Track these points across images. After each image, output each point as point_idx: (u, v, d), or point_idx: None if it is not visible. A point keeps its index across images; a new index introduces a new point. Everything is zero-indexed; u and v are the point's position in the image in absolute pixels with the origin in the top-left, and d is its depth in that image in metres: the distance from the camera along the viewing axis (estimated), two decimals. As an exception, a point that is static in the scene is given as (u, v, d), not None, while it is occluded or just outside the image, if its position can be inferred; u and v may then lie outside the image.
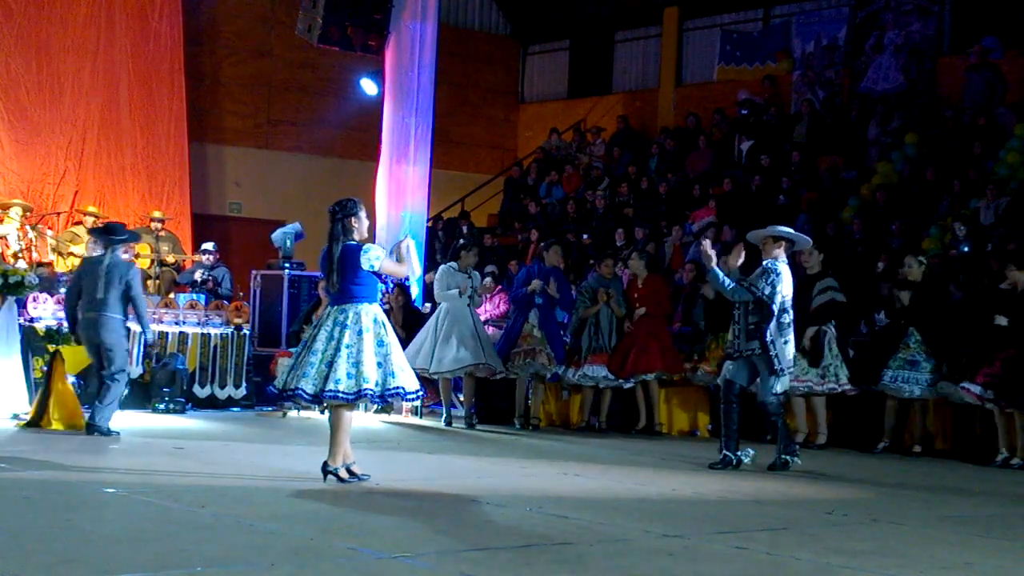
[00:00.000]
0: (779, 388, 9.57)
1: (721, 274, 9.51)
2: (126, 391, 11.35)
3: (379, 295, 8.29)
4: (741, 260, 9.70)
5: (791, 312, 9.55)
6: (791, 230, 9.92)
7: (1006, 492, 9.26)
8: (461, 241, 13.47)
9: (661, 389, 12.92)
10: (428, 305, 14.92)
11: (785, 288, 9.46)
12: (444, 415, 12.93)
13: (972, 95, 16.94)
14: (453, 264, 12.81)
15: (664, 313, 13.01)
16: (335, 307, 8.01)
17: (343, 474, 7.95)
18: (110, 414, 10.56)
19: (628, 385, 12.78)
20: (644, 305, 12.74)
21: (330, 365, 7.80)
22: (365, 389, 7.75)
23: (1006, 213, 14.30)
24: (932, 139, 16.62)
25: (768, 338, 9.39)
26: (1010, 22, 17.27)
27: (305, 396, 7.90)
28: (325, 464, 7.97)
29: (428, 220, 17.47)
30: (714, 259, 9.49)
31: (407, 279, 14.63)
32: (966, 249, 13.70)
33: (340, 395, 7.79)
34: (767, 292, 9.39)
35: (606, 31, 22.51)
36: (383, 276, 8.57)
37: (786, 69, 19.64)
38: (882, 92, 18.12)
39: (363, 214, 8.14)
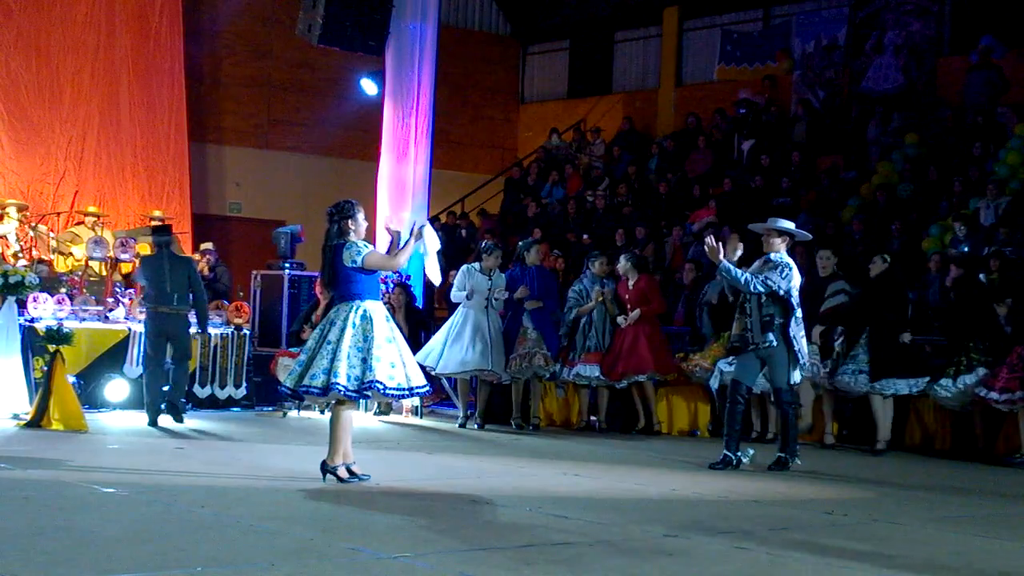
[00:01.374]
0: (795, 379, 9.66)
1: (732, 267, 9.51)
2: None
3: (377, 291, 8.28)
4: (739, 254, 9.71)
5: (801, 306, 9.65)
6: (792, 225, 9.93)
7: (1006, 492, 9.26)
8: (484, 243, 13.42)
9: (660, 388, 12.92)
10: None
11: (795, 281, 9.53)
12: (460, 417, 12.88)
13: (972, 95, 16.94)
14: (475, 265, 12.78)
15: (655, 312, 12.90)
16: (333, 307, 8.11)
17: (342, 473, 7.96)
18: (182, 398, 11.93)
19: (621, 385, 12.77)
20: (635, 306, 12.69)
21: (312, 361, 7.88)
22: (335, 384, 7.78)
23: (1006, 213, 14.30)
24: (932, 139, 16.62)
25: (790, 332, 9.45)
26: (1010, 22, 17.27)
27: (286, 392, 8.15)
28: (324, 463, 7.99)
29: (427, 219, 17.46)
30: (721, 253, 9.49)
31: (410, 278, 14.63)
32: (966, 249, 13.70)
33: (312, 390, 7.89)
34: (784, 287, 9.42)
35: (606, 31, 22.51)
36: (381, 272, 8.53)
37: (786, 69, 19.64)
38: (882, 92, 18.13)
39: (361, 216, 8.18)
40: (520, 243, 13.42)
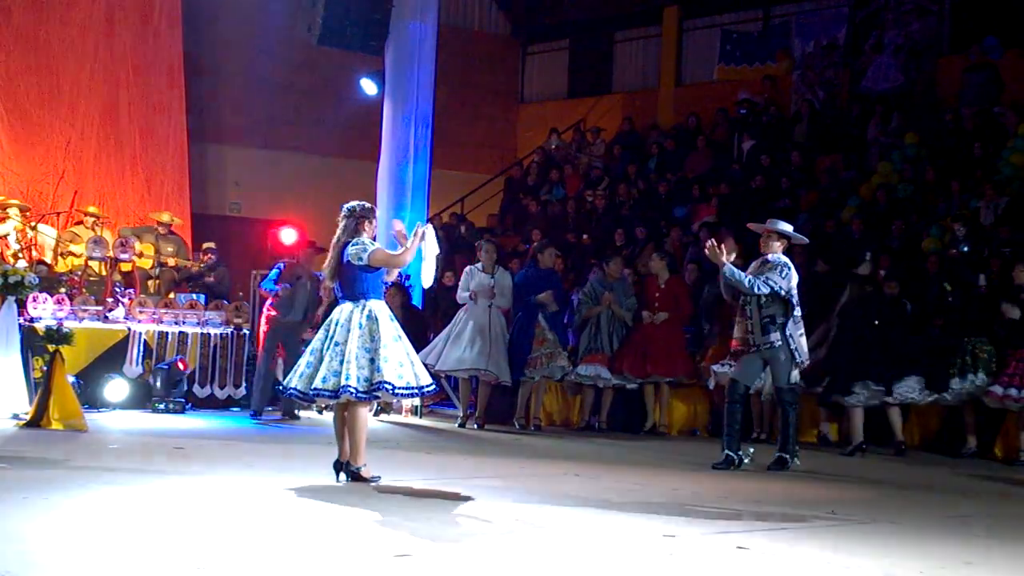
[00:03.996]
0: (795, 378, 9.70)
1: (735, 269, 9.55)
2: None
3: (381, 291, 8.28)
4: (734, 256, 9.76)
5: (799, 306, 9.68)
6: (791, 228, 9.95)
7: (1006, 492, 9.26)
8: (478, 243, 13.47)
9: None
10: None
11: (795, 281, 9.56)
12: (460, 417, 12.90)
13: (971, 95, 16.94)
14: (477, 265, 12.82)
15: (684, 316, 12.95)
16: (336, 306, 8.12)
17: (366, 473, 7.97)
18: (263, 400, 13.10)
19: (632, 386, 12.76)
20: (664, 307, 12.69)
21: (320, 363, 7.87)
22: (345, 386, 7.78)
23: (1006, 213, 14.30)
24: (932, 139, 16.62)
25: (787, 331, 9.46)
26: (1010, 22, 17.26)
27: (296, 394, 8.11)
28: (345, 463, 7.99)
29: (427, 220, 17.44)
30: (725, 254, 9.54)
31: (408, 278, 14.62)
32: (966, 249, 13.69)
33: (324, 393, 7.90)
34: (784, 287, 9.45)
35: (606, 31, 22.50)
36: (385, 272, 8.53)
37: (786, 69, 19.64)
38: (882, 92, 18.12)
39: (375, 222, 8.24)
40: (536, 244, 13.54)
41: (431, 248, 8.39)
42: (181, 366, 13.19)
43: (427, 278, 8.71)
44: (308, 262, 13.29)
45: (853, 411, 11.33)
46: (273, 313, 13.24)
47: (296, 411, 12.92)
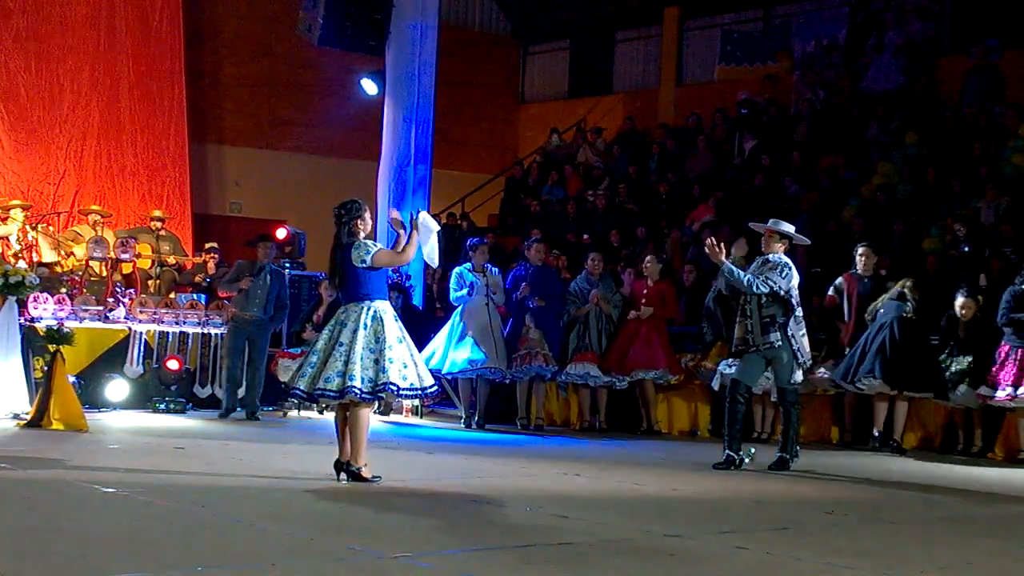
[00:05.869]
0: (797, 378, 9.70)
1: (735, 268, 9.56)
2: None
3: (385, 291, 8.27)
4: (744, 251, 9.77)
5: (800, 305, 9.68)
6: (793, 228, 9.95)
7: (1006, 492, 9.26)
8: (470, 241, 13.47)
9: (660, 389, 12.92)
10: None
11: (795, 281, 9.56)
12: (464, 417, 12.90)
13: (972, 95, 16.95)
14: (467, 265, 12.81)
15: (668, 317, 13.00)
16: (340, 307, 8.11)
17: (366, 473, 7.96)
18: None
19: (621, 385, 12.76)
20: (650, 304, 12.72)
21: (325, 364, 7.87)
22: (350, 387, 7.77)
23: (1007, 213, 14.31)
24: (932, 139, 16.63)
25: (789, 331, 9.47)
26: (1011, 22, 17.28)
27: (300, 395, 8.10)
28: (346, 463, 7.98)
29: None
30: (723, 254, 9.54)
31: (409, 279, 14.62)
32: (966, 249, 13.69)
33: (328, 394, 7.88)
34: (784, 287, 9.45)
35: (606, 31, 22.52)
36: (389, 271, 8.52)
37: (786, 69, 19.65)
38: (882, 92, 18.13)
39: (367, 215, 8.21)
40: (525, 243, 13.52)
41: (432, 227, 8.35)
42: (175, 364, 13.13)
43: (433, 259, 8.65)
44: (264, 256, 13.07)
45: (876, 404, 11.39)
46: (232, 309, 13.08)
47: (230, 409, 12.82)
